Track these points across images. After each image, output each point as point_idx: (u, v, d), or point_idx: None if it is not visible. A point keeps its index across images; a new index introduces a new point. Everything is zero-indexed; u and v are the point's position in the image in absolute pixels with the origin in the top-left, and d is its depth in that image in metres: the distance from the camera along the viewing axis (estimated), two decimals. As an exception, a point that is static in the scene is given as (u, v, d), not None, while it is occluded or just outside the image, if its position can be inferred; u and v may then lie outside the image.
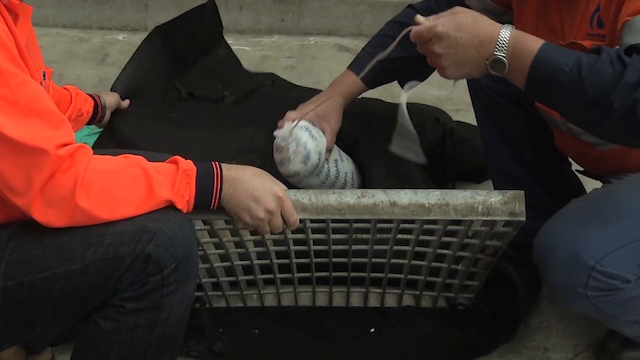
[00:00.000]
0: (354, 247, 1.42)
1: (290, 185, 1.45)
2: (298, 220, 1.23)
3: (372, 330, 1.59)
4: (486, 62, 1.13)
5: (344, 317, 1.62)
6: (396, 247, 1.41)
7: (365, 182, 1.68)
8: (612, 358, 1.51)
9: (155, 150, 1.42)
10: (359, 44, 2.79)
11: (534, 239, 1.32)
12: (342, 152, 1.69)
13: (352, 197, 1.25)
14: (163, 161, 1.15)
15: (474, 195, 1.25)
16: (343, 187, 1.65)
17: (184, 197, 1.13)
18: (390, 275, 1.52)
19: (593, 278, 1.22)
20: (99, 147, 1.72)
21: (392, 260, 1.47)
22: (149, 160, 1.13)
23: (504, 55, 1.11)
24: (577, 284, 1.24)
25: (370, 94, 1.74)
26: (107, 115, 1.76)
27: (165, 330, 1.14)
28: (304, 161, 1.53)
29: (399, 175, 1.64)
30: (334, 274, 1.53)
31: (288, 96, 1.96)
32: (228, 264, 1.47)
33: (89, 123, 1.73)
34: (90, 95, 1.70)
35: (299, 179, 1.57)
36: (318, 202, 1.24)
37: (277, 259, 1.48)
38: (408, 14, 1.64)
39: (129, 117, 1.81)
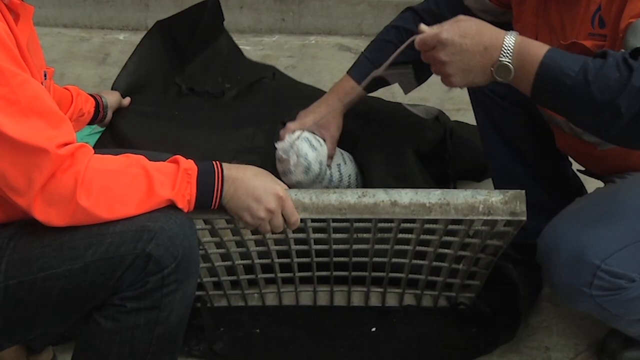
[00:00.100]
0: (355, 246, 1.42)
1: (292, 186, 1.45)
2: (299, 220, 1.23)
3: (373, 329, 1.59)
4: (492, 68, 1.13)
5: (345, 316, 1.62)
6: (397, 247, 1.41)
7: (366, 181, 1.68)
8: (613, 358, 1.51)
9: (156, 149, 1.42)
10: (359, 44, 2.80)
11: (537, 239, 1.32)
12: (345, 155, 1.69)
13: (352, 197, 1.25)
14: (164, 161, 1.15)
15: (474, 194, 1.25)
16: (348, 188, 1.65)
17: (185, 196, 1.13)
18: (391, 274, 1.52)
19: (598, 277, 1.22)
20: (100, 146, 1.72)
21: (393, 260, 1.47)
22: (149, 160, 1.13)
23: (509, 61, 1.11)
24: (582, 283, 1.24)
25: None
26: (109, 115, 1.76)
27: (165, 330, 1.14)
28: (305, 172, 1.55)
29: (399, 175, 1.64)
30: (335, 273, 1.53)
31: (289, 96, 1.96)
32: (229, 263, 1.47)
33: (91, 123, 1.72)
34: (91, 95, 1.70)
35: (302, 187, 1.57)
36: (319, 202, 1.24)
37: (278, 258, 1.48)
38: (406, 18, 1.65)
39: (130, 115, 1.81)
